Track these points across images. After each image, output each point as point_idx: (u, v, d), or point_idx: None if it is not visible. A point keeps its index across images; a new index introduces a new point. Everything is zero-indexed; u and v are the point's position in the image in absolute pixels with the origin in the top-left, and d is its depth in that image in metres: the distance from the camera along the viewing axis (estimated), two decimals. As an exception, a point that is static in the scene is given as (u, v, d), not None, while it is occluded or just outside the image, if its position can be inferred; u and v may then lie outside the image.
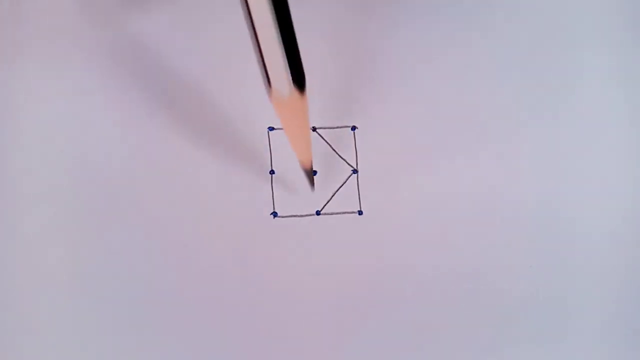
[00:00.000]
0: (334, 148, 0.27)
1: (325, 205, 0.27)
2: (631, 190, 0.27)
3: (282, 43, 0.20)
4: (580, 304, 0.26)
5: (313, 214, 0.27)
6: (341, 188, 0.27)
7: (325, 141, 0.27)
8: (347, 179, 0.27)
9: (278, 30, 0.19)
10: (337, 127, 0.27)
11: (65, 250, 0.26)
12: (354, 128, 0.27)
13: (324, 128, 0.27)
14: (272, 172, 0.27)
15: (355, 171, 0.27)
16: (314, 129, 0.27)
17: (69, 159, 0.26)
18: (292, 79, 0.20)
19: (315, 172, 0.27)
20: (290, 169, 0.27)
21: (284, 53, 0.20)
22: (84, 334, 0.26)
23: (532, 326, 0.26)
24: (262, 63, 0.20)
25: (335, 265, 0.26)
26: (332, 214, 0.27)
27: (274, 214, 0.26)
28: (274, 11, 0.19)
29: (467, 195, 0.27)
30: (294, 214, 0.27)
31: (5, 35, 0.27)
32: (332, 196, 0.27)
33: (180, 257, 0.26)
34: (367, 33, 0.27)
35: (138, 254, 0.26)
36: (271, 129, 0.27)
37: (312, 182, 0.26)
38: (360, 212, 0.27)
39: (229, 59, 0.27)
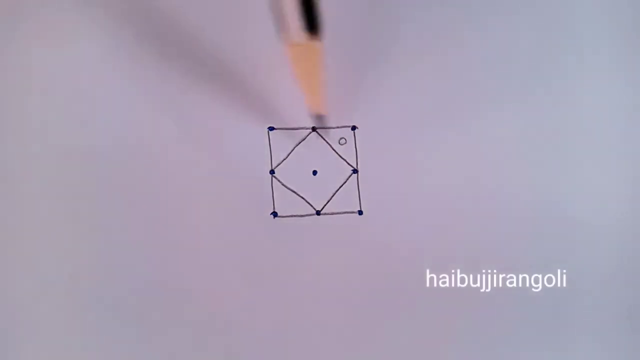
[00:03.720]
0: (334, 148, 0.27)
1: (325, 205, 0.27)
2: (632, 189, 0.27)
3: None
4: (581, 303, 0.26)
5: (313, 214, 0.27)
6: (341, 188, 0.27)
7: (326, 141, 0.27)
8: (347, 179, 0.27)
9: None
10: (337, 127, 0.27)
11: (65, 250, 0.26)
12: (354, 128, 0.27)
13: (324, 128, 0.27)
14: (272, 172, 0.27)
15: (355, 171, 0.27)
16: (314, 129, 0.27)
17: (69, 159, 0.26)
18: (307, 25, 0.20)
19: (315, 172, 0.27)
20: (290, 169, 0.27)
21: None
22: (84, 333, 0.26)
23: (533, 326, 0.26)
24: (276, 8, 0.20)
25: (335, 265, 0.26)
26: (332, 214, 0.27)
27: (274, 214, 0.26)
28: None
29: (467, 195, 0.27)
30: (294, 214, 0.27)
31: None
32: (332, 196, 0.27)
33: (181, 257, 0.26)
34: (367, 33, 0.27)
35: (138, 254, 0.26)
36: (271, 129, 0.27)
37: (325, 128, 0.25)
38: (360, 212, 0.27)
39: (229, 60, 0.27)
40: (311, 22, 0.20)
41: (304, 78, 0.22)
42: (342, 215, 0.27)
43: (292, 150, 0.27)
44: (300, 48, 0.20)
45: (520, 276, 0.26)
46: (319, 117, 0.25)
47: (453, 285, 0.26)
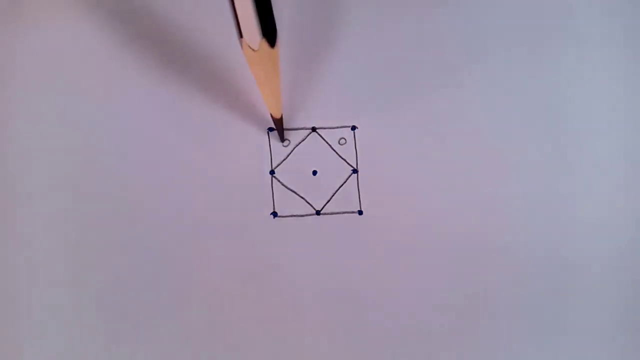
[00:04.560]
0: (334, 148, 0.27)
1: (325, 205, 0.27)
2: (632, 189, 0.27)
3: None
4: (581, 304, 0.26)
5: (313, 214, 0.27)
6: (341, 188, 0.27)
7: (326, 141, 0.27)
8: (347, 179, 0.27)
9: None
10: (337, 127, 0.27)
11: (65, 250, 0.26)
12: (354, 128, 0.27)
13: (324, 128, 0.27)
14: (272, 172, 0.27)
15: (355, 171, 0.27)
16: (314, 129, 0.27)
17: (69, 159, 0.26)
18: (262, 32, 0.20)
19: (315, 172, 0.27)
20: (290, 169, 0.27)
21: (255, 5, 0.20)
22: (83, 333, 0.26)
23: (533, 326, 0.26)
24: (234, 14, 0.20)
25: (335, 265, 0.26)
26: (332, 213, 0.27)
27: (274, 214, 0.26)
28: None
29: (467, 194, 0.27)
30: (294, 214, 0.27)
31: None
32: (332, 196, 0.27)
33: (181, 256, 0.26)
34: (368, 33, 0.27)
35: (138, 254, 0.26)
36: (271, 129, 0.27)
37: (281, 136, 0.26)
38: (360, 212, 0.27)
39: (228, 61, 0.27)
40: (266, 29, 0.20)
41: (261, 82, 0.23)
42: (342, 215, 0.27)
43: (292, 151, 0.27)
44: (257, 53, 0.21)
45: (522, 276, 0.26)
46: (277, 120, 0.25)
47: (453, 284, 0.26)
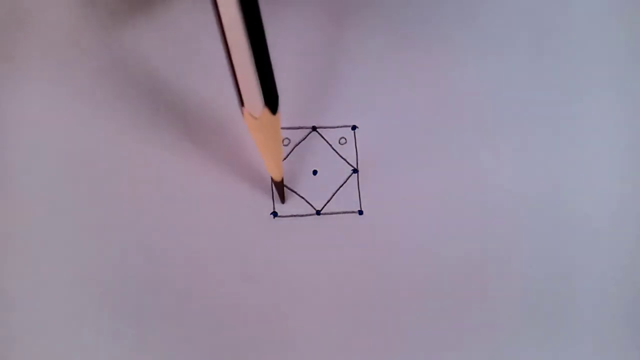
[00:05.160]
0: (334, 148, 0.27)
1: (325, 205, 0.27)
2: (632, 189, 0.27)
3: (255, 64, 0.19)
4: (582, 303, 0.26)
5: (313, 214, 0.27)
6: (341, 188, 0.27)
7: (326, 141, 0.27)
8: (347, 179, 0.27)
9: (251, 52, 0.19)
10: (337, 127, 0.27)
11: (65, 250, 0.26)
12: (354, 128, 0.27)
13: (324, 128, 0.27)
14: (272, 171, 0.27)
15: (355, 171, 0.27)
16: (314, 129, 0.27)
17: (69, 160, 0.26)
18: (265, 101, 0.20)
19: (315, 172, 0.27)
20: (290, 169, 0.27)
21: (257, 74, 0.20)
22: (83, 333, 0.26)
23: (534, 326, 0.26)
24: (235, 83, 0.20)
25: (335, 265, 0.26)
26: (332, 213, 0.27)
27: (274, 214, 0.26)
28: (247, 32, 0.19)
29: (467, 194, 0.27)
30: (294, 214, 0.27)
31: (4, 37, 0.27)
32: (332, 196, 0.27)
33: (181, 257, 0.26)
34: (368, 33, 0.27)
35: (138, 254, 0.26)
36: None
37: (282, 196, 0.26)
38: (360, 212, 0.27)
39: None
40: (268, 98, 0.20)
41: (262, 146, 0.23)
42: (342, 215, 0.27)
43: (292, 150, 0.27)
44: (258, 121, 0.21)
45: (522, 276, 0.26)
46: (277, 183, 0.25)
47: (453, 285, 0.26)
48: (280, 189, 0.26)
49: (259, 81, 0.20)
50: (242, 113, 0.21)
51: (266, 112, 0.21)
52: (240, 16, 0.18)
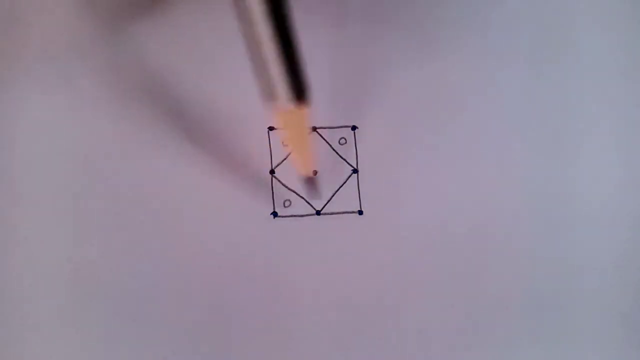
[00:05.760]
0: (334, 148, 0.27)
1: (325, 205, 0.27)
2: (632, 189, 0.27)
3: (286, 58, 0.20)
4: (582, 303, 0.26)
5: (313, 214, 0.27)
6: (341, 188, 0.27)
7: (326, 141, 0.27)
8: (347, 179, 0.27)
9: (282, 45, 0.19)
10: (337, 127, 0.27)
11: (65, 250, 0.26)
12: (354, 128, 0.27)
13: (324, 128, 0.27)
14: (272, 172, 0.27)
15: (355, 171, 0.27)
16: (314, 129, 0.27)
17: (69, 160, 0.26)
18: (295, 92, 0.20)
19: (315, 172, 0.27)
20: (290, 169, 0.27)
21: (289, 68, 0.20)
22: (83, 333, 0.26)
23: (534, 326, 0.26)
24: (264, 79, 0.20)
25: (335, 265, 0.26)
26: (332, 214, 0.27)
27: (274, 214, 0.26)
28: (278, 26, 0.19)
29: (467, 194, 0.27)
30: (294, 214, 0.27)
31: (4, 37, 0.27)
32: (332, 196, 0.27)
33: (181, 257, 0.26)
34: (368, 33, 0.27)
35: (138, 254, 0.26)
36: (271, 129, 0.27)
37: (315, 191, 0.26)
38: (360, 212, 0.27)
39: (228, 61, 0.27)
40: (297, 90, 0.20)
41: (291, 141, 0.23)
42: (342, 215, 0.27)
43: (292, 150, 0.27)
44: (287, 115, 0.21)
45: (522, 276, 0.26)
46: (308, 179, 0.25)
47: (453, 284, 0.26)
48: (311, 184, 0.26)
49: (291, 74, 0.20)
50: (273, 107, 0.21)
51: (297, 106, 0.21)
52: (271, 9, 0.19)
